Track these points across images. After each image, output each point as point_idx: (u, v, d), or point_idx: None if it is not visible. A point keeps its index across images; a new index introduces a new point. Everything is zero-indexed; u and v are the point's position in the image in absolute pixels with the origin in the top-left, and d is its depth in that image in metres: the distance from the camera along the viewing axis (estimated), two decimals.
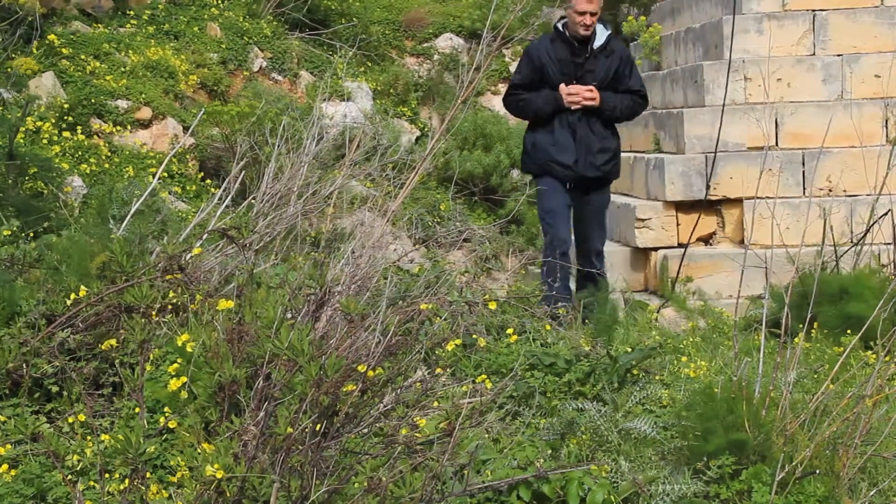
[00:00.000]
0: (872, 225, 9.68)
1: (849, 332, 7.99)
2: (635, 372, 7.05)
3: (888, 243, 9.79)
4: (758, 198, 10.89)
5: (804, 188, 11.20)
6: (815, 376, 7.21)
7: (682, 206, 11.40)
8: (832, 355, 7.71)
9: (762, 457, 5.67)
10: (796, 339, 6.78)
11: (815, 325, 8.49)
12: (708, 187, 11.29)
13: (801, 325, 6.97)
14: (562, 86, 9.54)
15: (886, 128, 11.32)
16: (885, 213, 9.80)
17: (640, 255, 11.59)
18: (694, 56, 12.77)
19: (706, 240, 11.44)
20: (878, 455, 6.03)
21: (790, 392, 6.07)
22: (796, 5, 11.96)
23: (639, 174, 12.22)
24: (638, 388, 6.58)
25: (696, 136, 11.51)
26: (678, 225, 11.40)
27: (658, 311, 10.19)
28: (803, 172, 11.25)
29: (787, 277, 9.27)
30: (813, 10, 11.88)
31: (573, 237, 9.77)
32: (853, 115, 11.22)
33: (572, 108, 9.52)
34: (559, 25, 9.71)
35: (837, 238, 9.91)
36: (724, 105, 11.36)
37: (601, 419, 5.94)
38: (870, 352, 7.01)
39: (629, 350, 7.22)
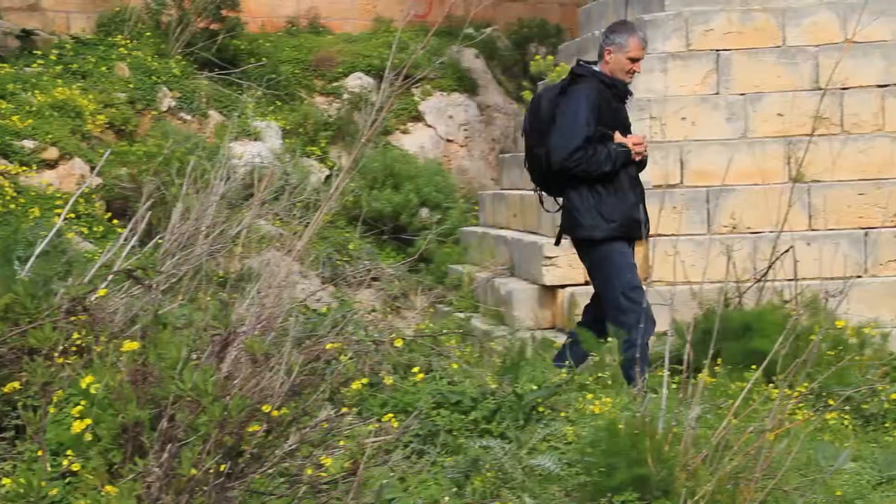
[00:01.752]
0: (775, 261, 9.82)
1: (752, 367, 8.10)
2: (541, 409, 7.09)
3: (790, 279, 9.93)
4: (662, 235, 11.02)
5: (708, 225, 11.34)
6: (718, 411, 7.30)
7: None
8: (735, 390, 7.80)
9: (665, 492, 5.73)
10: (700, 375, 6.86)
11: (719, 360, 8.60)
12: None
13: (704, 361, 7.05)
14: (618, 135, 8.60)
15: (789, 165, 11.49)
16: (787, 250, 9.95)
17: (548, 292, 11.66)
18: None
19: None
20: (778, 489, 6.11)
21: (693, 427, 6.14)
22: (700, 45, 12.14)
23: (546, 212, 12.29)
24: (543, 425, 6.63)
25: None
26: None
27: None
28: (707, 210, 11.39)
29: (692, 313, 9.39)
30: (716, 50, 12.07)
31: None
32: (756, 154, 11.40)
33: (637, 159, 8.67)
34: (597, 70, 8.71)
35: (741, 274, 10.02)
36: None
37: (506, 456, 5.98)
38: (771, 386, 7.10)
39: (535, 387, 7.26)
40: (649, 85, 11.98)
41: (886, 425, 8.10)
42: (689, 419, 6.05)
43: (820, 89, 11.52)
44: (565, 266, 11.48)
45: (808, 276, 10.35)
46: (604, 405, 7.30)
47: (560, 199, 8.84)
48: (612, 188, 8.54)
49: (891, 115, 11.62)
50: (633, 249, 8.72)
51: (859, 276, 10.76)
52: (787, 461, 6.19)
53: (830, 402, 7.71)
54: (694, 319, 8.63)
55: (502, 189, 15.25)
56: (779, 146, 11.56)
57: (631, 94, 8.82)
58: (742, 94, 11.91)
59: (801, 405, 7.39)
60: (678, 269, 10.06)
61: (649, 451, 5.74)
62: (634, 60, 8.63)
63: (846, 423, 7.95)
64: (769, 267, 9.86)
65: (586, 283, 11.29)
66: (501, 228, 13.99)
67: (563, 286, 11.50)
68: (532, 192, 13.10)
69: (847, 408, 8.10)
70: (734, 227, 11.36)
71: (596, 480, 5.76)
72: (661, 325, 9.78)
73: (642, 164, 8.75)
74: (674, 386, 6.90)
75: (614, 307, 8.48)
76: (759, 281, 9.95)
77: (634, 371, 8.00)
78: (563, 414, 7.20)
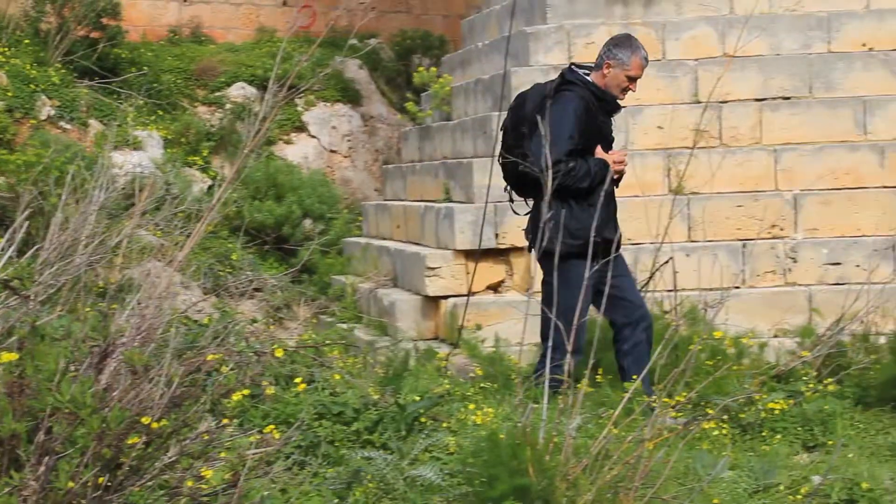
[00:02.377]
0: (655, 272, 9.91)
1: (632, 377, 8.18)
2: (423, 420, 7.11)
3: (670, 290, 10.04)
4: None
5: None
6: (599, 421, 7.36)
7: (472, 255, 11.53)
8: (615, 400, 7.87)
9: (546, 501, 5.76)
10: (580, 385, 6.91)
11: (600, 370, 8.67)
12: (496, 236, 11.44)
13: (585, 371, 7.10)
14: (599, 150, 8.42)
15: (669, 178, 11.61)
16: (667, 261, 10.05)
17: (431, 303, 11.68)
18: (483, 107, 12.97)
19: (495, 287, 11.59)
20: (657, 497, 6.17)
21: (573, 437, 6.19)
22: (582, 58, 12.18)
23: (429, 223, 12.33)
24: (425, 436, 6.64)
25: (485, 186, 11.65)
26: (468, 273, 11.52)
27: (447, 359, 10.28)
28: None
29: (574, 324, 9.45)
30: None
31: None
32: (636, 166, 11.45)
33: (615, 177, 8.42)
34: (589, 80, 8.50)
35: None
36: None
37: (388, 467, 5.98)
38: (651, 396, 7.18)
39: (418, 398, 7.28)
40: None
41: (763, 434, 8.21)
42: (570, 429, 6.09)
43: (699, 103, 11.67)
44: (448, 277, 11.51)
45: (687, 287, 10.48)
46: (486, 415, 7.33)
47: (530, 202, 8.73)
48: (585, 203, 8.35)
49: (768, 128, 11.80)
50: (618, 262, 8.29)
51: (737, 287, 10.90)
52: (665, 470, 6.26)
53: (709, 411, 7.80)
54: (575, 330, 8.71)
55: (386, 200, 15.26)
56: (659, 158, 11.68)
57: (620, 109, 8.68)
58: (623, 107, 12.00)
59: (679, 414, 7.47)
60: None
61: (530, 460, 5.77)
62: (632, 79, 8.48)
63: (724, 432, 8.06)
64: (649, 278, 9.95)
65: (469, 294, 11.35)
66: (385, 239, 14.00)
67: (445, 297, 11.53)
68: (417, 203, 13.19)
69: (725, 417, 8.20)
70: None
71: (477, 491, 5.78)
72: None
73: (619, 181, 8.61)
74: (555, 396, 6.94)
75: (545, 322, 8.32)
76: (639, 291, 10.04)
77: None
78: (445, 424, 7.22)
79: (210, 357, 6.40)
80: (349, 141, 18.09)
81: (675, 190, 11.35)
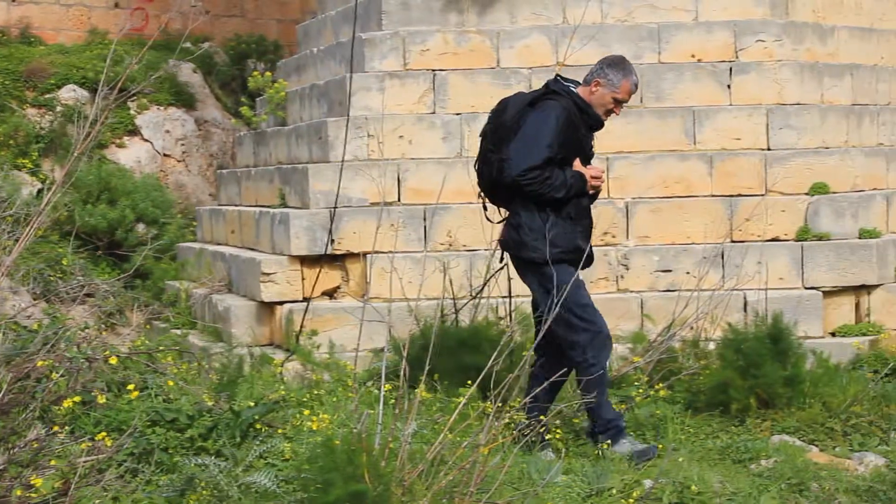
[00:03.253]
0: (489, 279, 9.98)
1: (468, 382, 8.22)
2: (258, 426, 7.07)
3: (505, 296, 10.10)
4: (380, 252, 11.11)
5: (425, 242, 11.47)
6: (435, 427, 7.39)
7: (308, 261, 11.49)
8: (451, 405, 7.90)
9: None
10: (417, 391, 6.93)
11: (436, 376, 8.70)
12: (332, 242, 11.42)
13: (421, 377, 7.12)
14: (578, 164, 8.18)
15: None
16: (501, 267, 10.12)
17: (266, 309, 11.61)
18: (319, 112, 12.94)
19: (331, 293, 11.56)
20: (492, 503, 6.22)
21: (409, 443, 6.20)
22: (417, 65, 12.27)
23: (264, 229, 12.26)
24: (260, 442, 6.60)
25: (321, 192, 11.64)
26: (303, 279, 11.48)
27: (283, 365, 10.24)
28: (425, 227, 11.52)
29: (409, 330, 9.49)
30: (433, 70, 12.22)
31: None
32: (471, 172, 11.53)
33: (591, 192, 8.23)
34: (574, 92, 8.27)
35: (457, 291, 10.18)
36: (344, 161, 11.53)
37: (221, 474, 5.93)
38: (487, 402, 7.22)
39: (253, 404, 7.24)
40: (367, 103, 12.06)
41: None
42: (405, 434, 6.10)
43: None
44: (283, 282, 11.45)
45: (521, 293, 10.55)
46: (321, 421, 7.31)
47: (504, 211, 8.45)
48: (562, 214, 8.11)
49: (600, 137, 11.91)
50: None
51: None
52: (500, 475, 6.30)
53: (542, 416, 7.86)
54: (410, 335, 8.74)
55: (220, 205, 15.13)
56: None
57: (602, 125, 8.39)
58: (458, 114, 12.08)
59: (515, 420, 7.52)
60: (395, 286, 10.16)
61: (366, 466, 5.76)
62: (618, 102, 8.26)
63: (558, 436, 8.14)
64: (484, 284, 10.02)
65: (304, 300, 11.31)
66: (220, 244, 13.88)
67: (280, 303, 11.47)
68: (252, 208, 13.11)
69: (558, 422, 8.28)
70: (451, 245, 11.51)
71: (313, 497, 5.76)
72: (382, 340, 9.88)
73: (594, 197, 8.33)
74: (392, 402, 6.96)
75: (565, 325, 7.93)
76: (474, 298, 10.11)
77: (593, 392, 7.85)
78: (280, 431, 7.19)
79: (40, 363, 6.30)
80: (183, 145, 17.90)
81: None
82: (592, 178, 8.17)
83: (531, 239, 8.07)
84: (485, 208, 8.56)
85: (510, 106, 8.28)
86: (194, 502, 5.86)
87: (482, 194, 8.49)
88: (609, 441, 7.91)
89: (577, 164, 8.15)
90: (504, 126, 8.21)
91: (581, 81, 8.31)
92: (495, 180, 8.20)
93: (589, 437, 8.13)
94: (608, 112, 8.27)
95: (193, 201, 17.31)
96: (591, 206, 8.31)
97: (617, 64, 8.29)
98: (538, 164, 7.96)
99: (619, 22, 12.43)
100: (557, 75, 8.45)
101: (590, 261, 8.24)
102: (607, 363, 8.09)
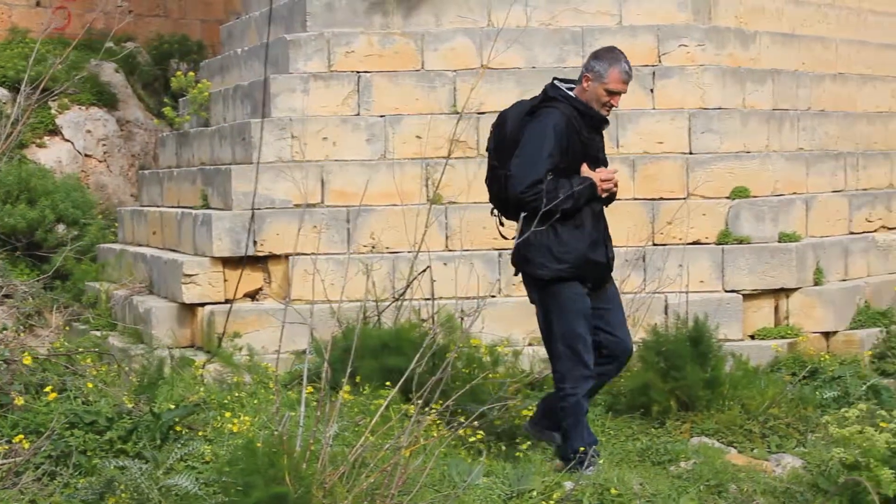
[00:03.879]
0: (412, 281, 10.00)
1: (389, 384, 8.22)
2: (178, 428, 7.03)
3: (428, 298, 10.12)
4: (302, 254, 11.08)
5: (349, 244, 11.45)
6: (357, 429, 7.39)
7: (230, 262, 11.43)
8: (374, 408, 7.90)
9: None
10: (339, 393, 6.92)
11: (358, 378, 8.69)
12: (255, 243, 11.38)
13: (343, 379, 7.11)
14: (585, 168, 7.87)
15: (427, 187, 11.71)
16: (425, 270, 10.14)
17: (188, 310, 11.54)
18: (242, 113, 12.88)
19: (253, 295, 11.51)
20: None
21: (330, 445, 6.20)
22: (341, 67, 12.25)
23: (186, 230, 12.19)
24: (181, 445, 6.57)
25: (244, 193, 11.59)
26: (225, 281, 11.42)
27: (204, 367, 10.18)
28: (348, 229, 11.50)
29: (332, 332, 9.47)
30: (357, 72, 12.20)
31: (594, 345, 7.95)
32: (395, 175, 11.56)
33: (603, 196, 7.96)
34: (570, 94, 7.99)
35: (380, 293, 10.18)
36: (266, 163, 11.49)
37: (142, 477, 5.89)
38: (409, 404, 7.22)
39: (173, 406, 7.20)
40: (291, 104, 12.02)
41: (517, 441, 8.33)
42: (327, 437, 6.10)
43: (457, 113, 11.78)
44: (205, 284, 11.38)
45: (444, 296, 10.56)
46: (242, 424, 7.29)
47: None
48: (571, 224, 7.81)
49: None
50: (600, 290, 8.01)
51: (493, 296, 11.03)
52: (422, 477, 6.31)
53: (463, 419, 7.87)
54: (332, 338, 8.72)
55: (142, 206, 15.03)
56: (417, 167, 11.76)
57: (608, 123, 8.09)
58: (382, 116, 12.07)
59: (436, 422, 7.53)
60: (318, 288, 10.11)
61: (287, 469, 5.76)
62: (612, 94, 7.89)
63: (479, 438, 8.15)
64: (407, 286, 10.03)
65: (226, 302, 11.25)
66: (141, 246, 13.78)
67: (202, 304, 11.40)
68: (174, 209, 13.02)
69: (477, 424, 8.29)
70: (374, 247, 11.49)
71: (233, 499, 5.75)
72: (301, 343, 9.85)
73: (610, 199, 8.09)
74: (313, 404, 6.94)
75: (553, 354, 7.91)
76: (397, 300, 10.11)
77: (567, 419, 7.81)
78: (201, 433, 7.16)
79: None
80: (104, 145, 17.75)
81: (433, 199, 11.44)
82: (603, 181, 7.88)
83: (536, 255, 7.84)
84: (501, 224, 8.32)
85: (509, 119, 8.07)
86: None
87: (495, 210, 8.28)
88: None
89: (584, 169, 7.86)
90: (506, 140, 7.99)
91: (577, 81, 8.05)
92: (504, 196, 8.00)
93: (557, 456, 8.05)
94: (606, 106, 7.92)
95: (115, 202, 17.18)
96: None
97: (601, 54, 7.98)
98: (540, 177, 7.71)
99: (544, 25, 12.48)
100: (555, 79, 8.15)
101: (607, 271, 8.01)
102: (586, 398, 7.82)
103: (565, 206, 7.72)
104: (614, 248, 8.26)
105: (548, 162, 7.73)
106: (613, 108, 8.07)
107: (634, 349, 8.39)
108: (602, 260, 7.92)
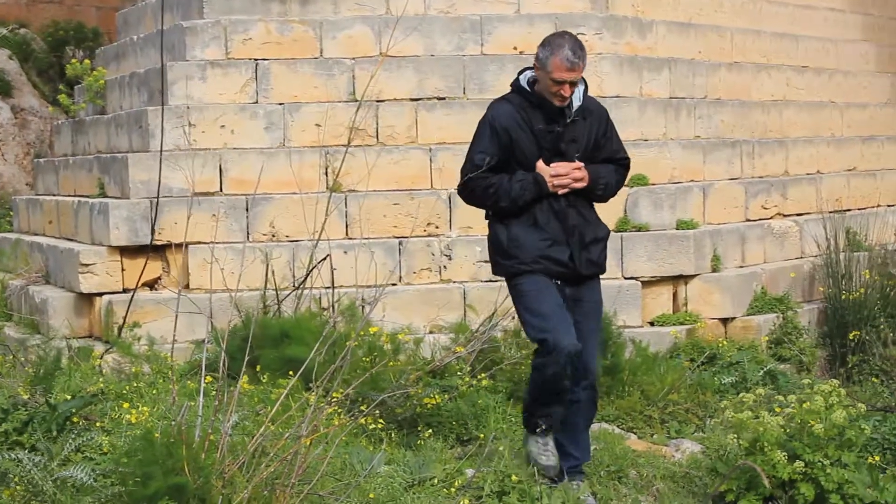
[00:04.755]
0: (312, 269, 9.96)
1: (290, 373, 8.18)
2: (76, 420, 6.95)
3: (328, 287, 10.09)
4: (201, 243, 11.00)
5: (248, 233, 11.38)
6: (257, 418, 7.34)
7: (128, 251, 11.31)
8: (274, 397, 7.86)
9: (202, 500, 5.73)
10: (238, 382, 6.88)
11: (258, 367, 8.65)
12: (153, 232, 11.27)
13: (242, 369, 7.07)
14: (540, 164, 7.36)
15: (326, 175, 11.66)
16: (324, 258, 10.11)
17: (85, 300, 11.41)
18: (139, 101, 12.75)
19: (152, 284, 11.41)
20: (314, 493, 6.21)
21: (230, 435, 6.16)
22: (239, 54, 12.16)
23: (83, 219, 12.05)
24: (76, 436, 6.50)
25: (142, 181, 11.47)
26: (124, 270, 11.30)
27: (102, 358, 10.07)
28: (247, 218, 11.43)
29: (231, 321, 9.42)
30: (255, 60, 12.12)
31: None
32: (294, 163, 11.50)
33: (559, 192, 7.41)
34: (524, 85, 7.53)
35: (280, 282, 10.13)
36: (164, 151, 11.37)
37: (36, 469, 5.82)
38: (309, 392, 7.20)
39: (70, 397, 7.11)
40: (189, 92, 11.91)
41: (419, 429, 8.34)
42: (226, 426, 6.06)
43: (356, 101, 11.75)
44: (103, 273, 11.26)
45: (345, 284, 10.54)
46: (141, 414, 7.22)
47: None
48: (525, 222, 7.41)
49: (423, 127, 11.97)
50: (578, 300, 7.51)
51: (394, 284, 11.03)
52: (322, 466, 6.30)
53: (364, 407, 7.86)
54: (231, 327, 8.68)
55: (38, 195, 14.84)
56: (316, 156, 11.70)
57: (569, 111, 7.44)
58: (281, 104, 11.99)
59: (337, 411, 7.52)
60: (217, 277, 10.05)
61: (186, 459, 5.72)
62: (558, 83, 7.29)
63: (380, 426, 8.14)
64: (307, 275, 9.99)
65: (124, 291, 11.14)
66: (37, 235, 13.61)
67: (100, 294, 11.28)
68: (70, 198, 12.87)
69: (378, 412, 8.29)
70: (273, 236, 11.43)
71: (131, 490, 5.70)
72: (201, 333, 9.78)
73: (589, 193, 7.60)
74: (213, 394, 6.90)
75: (523, 325, 7.53)
76: (297, 289, 10.07)
77: (530, 388, 7.44)
78: (98, 424, 7.09)
79: None
80: None
81: (333, 187, 11.41)
82: (554, 176, 7.36)
83: (494, 253, 7.56)
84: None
85: None
86: (7, 498, 5.74)
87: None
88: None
89: (539, 165, 7.38)
90: None
91: None
92: None
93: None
94: (557, 96, 7.34)
95: (10, 191, 16.96)
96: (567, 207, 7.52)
97: (546, 41, 7.44)
98: (467, 174, 7.43)
99: (442, 13, 12.47)
100: (527, 68, 7.68)
101: (576, 272, 7.47)
102: (552, 370, 7.22)
103: (501, 205, 7.41)
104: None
105: (480, 158, 7.39)
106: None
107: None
108: (563, 258, 7.41)
